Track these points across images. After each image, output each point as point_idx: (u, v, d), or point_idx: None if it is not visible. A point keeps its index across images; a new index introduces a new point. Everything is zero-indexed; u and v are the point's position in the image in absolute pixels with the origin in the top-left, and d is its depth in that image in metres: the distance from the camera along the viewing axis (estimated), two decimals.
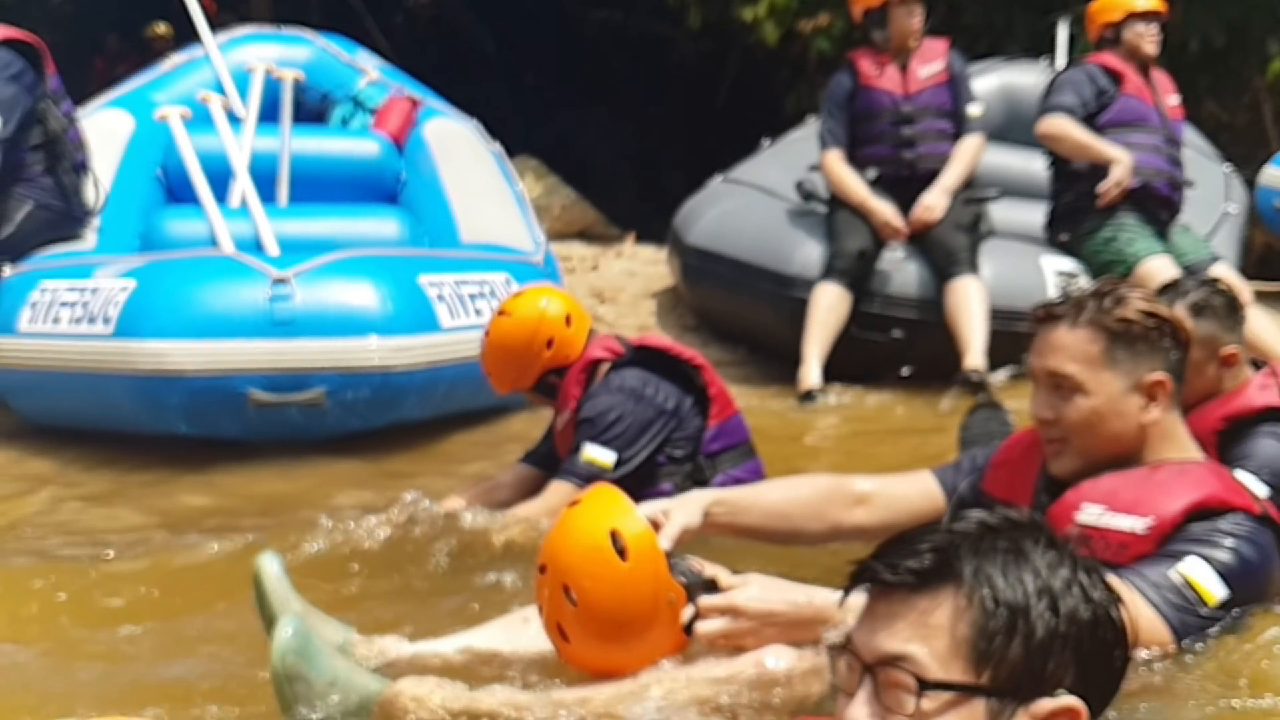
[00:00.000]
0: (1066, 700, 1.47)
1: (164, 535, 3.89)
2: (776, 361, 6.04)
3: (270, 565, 2.86)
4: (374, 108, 6.61)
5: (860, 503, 3.14)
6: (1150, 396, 2.79)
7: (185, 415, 4.71)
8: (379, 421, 4.86)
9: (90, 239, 5.58)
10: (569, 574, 2.63)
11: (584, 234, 8.26)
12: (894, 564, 1.49)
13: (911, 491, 3.15)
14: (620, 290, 6.86)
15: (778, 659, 2.61)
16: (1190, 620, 2.61)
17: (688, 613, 2.68)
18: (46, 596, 3.35)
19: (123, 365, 4.78)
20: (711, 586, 2.71)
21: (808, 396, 5.71)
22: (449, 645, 2.94)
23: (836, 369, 5.85)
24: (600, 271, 7.24)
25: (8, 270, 5.29)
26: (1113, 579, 2.54)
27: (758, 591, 2.68)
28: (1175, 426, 2.86)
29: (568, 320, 4.15)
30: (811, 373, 5.78)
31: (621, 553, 2.63)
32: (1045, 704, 1.46)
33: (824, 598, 2.65)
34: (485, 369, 4.23)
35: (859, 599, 2.38)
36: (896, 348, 5.96)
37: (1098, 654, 1.49)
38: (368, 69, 6.84)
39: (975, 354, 5.73)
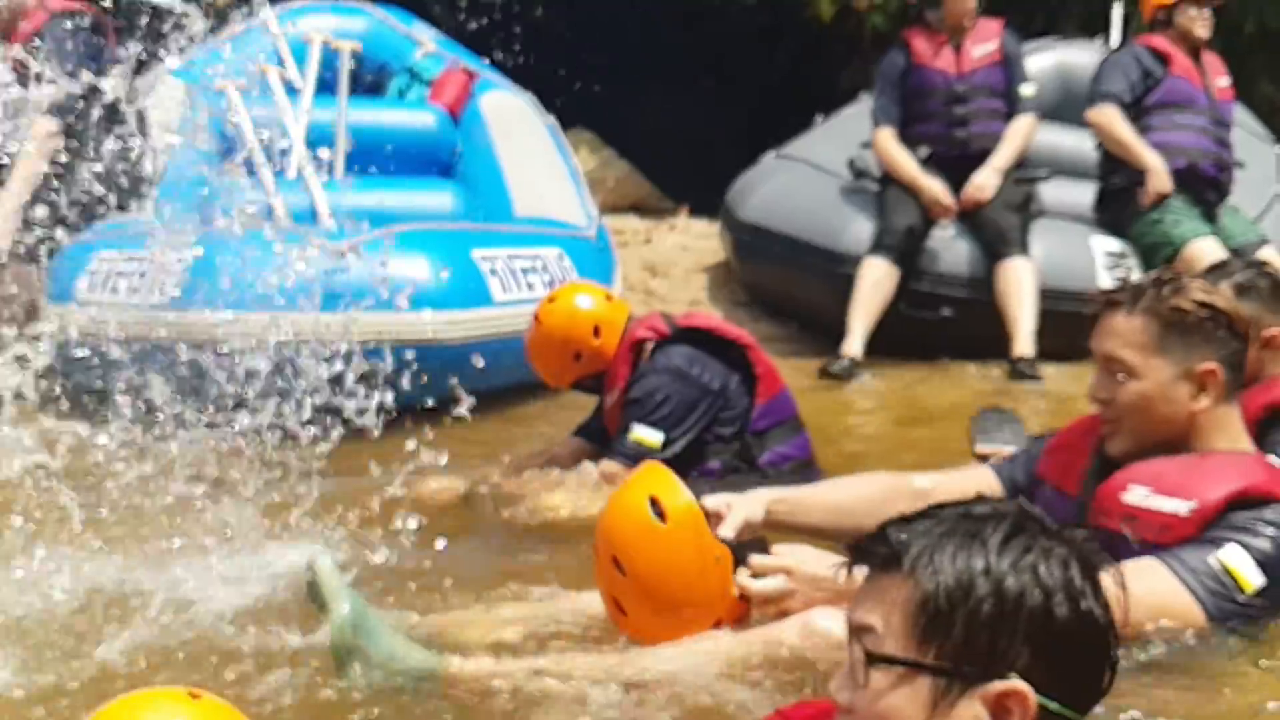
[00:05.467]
0: (1013, 683, 1.48)
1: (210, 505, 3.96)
2: (827, 338, 6.08)
3: (325, 561, 2.91)
4: (430, 80, 6.66)
5: (921, 499, 3.18)
6: (1200, 385, 2.84)
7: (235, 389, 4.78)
8: (432, 394, 4.92)
9: (148, 209, 5.67)
10: (615, 545, 2.73)
11: (638, 207, 8.29)
12: (866, 546, 1.56)
13: (971, 487, 3.21)
14: (672, 265, 6.90)
15: (827, 620, 2.67)
16: (1226, 606, 2.66)
17: (741, 576, 2.74)
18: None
19: (179, 335, 4.86)
20: (761, 548, 2.79)
21: (844, 367, 5.74)
22: (502, 622, 3.02)
23: (885, 346, 5.88)
24: (653, 245, 7.28)
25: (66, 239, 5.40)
26: (1150, 561, 2.64)
27: (809, 556, 2.79)
28: (1227, 416, 2.90)
29: (596, 331, 4.21)
30: (854, 345, 5.84)
31: (661, 516, 2.72)
32: (995, 686, 1.48)
33: None
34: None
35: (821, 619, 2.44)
36: (945, 326, 5.99)
37: (1056, 640, 1.50)
38: (424, 41, 6.89)
39: (1024, 339, 5.76)
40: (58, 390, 5.09)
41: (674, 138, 9.10)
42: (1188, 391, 2.84)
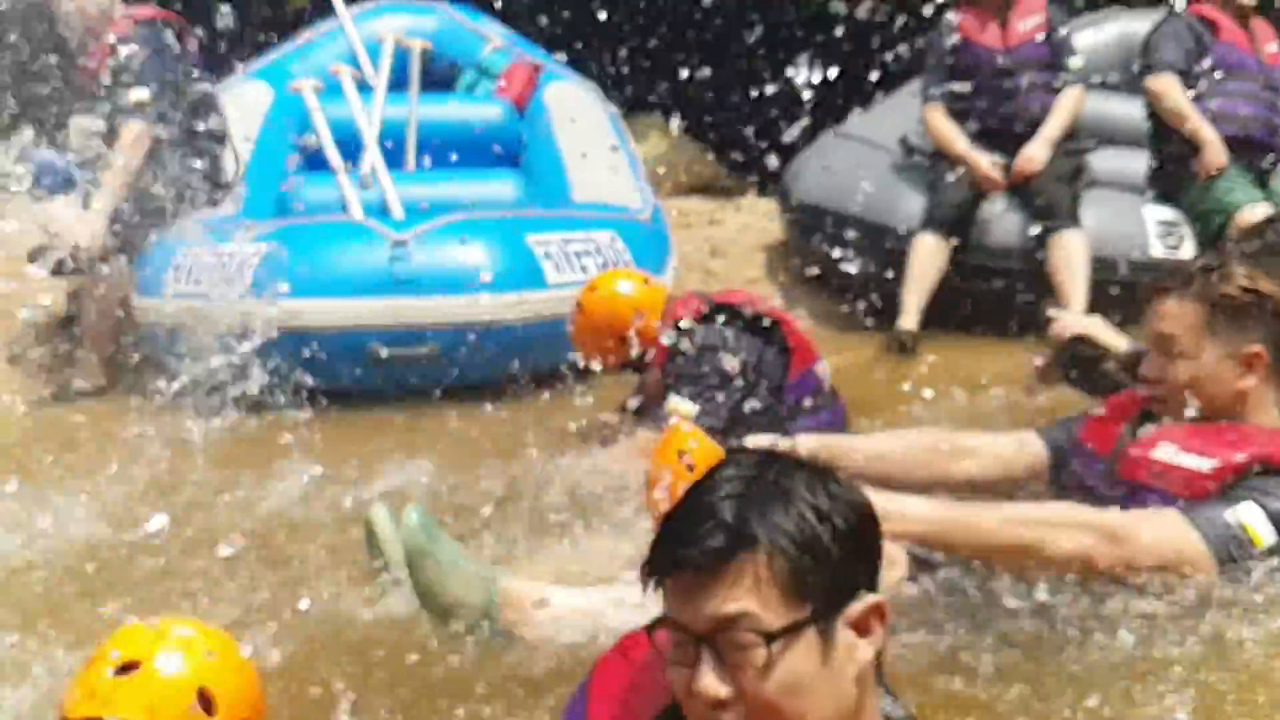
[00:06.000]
0: (870, 599, 1.66)
1: (275, 482, 4.26)
2: (881, 313, 6.22)
3: (380, 512, 3.21)
4: (498, 74, 6.93)
5: (966, 455, 3.43)
6: (1247, 366, 3.08)
7: (312, 368, 5.09)
8: (490, 373, 5.19)
9: (230, 206, 5.99)
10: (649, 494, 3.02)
11: (708, 189, 8.46)
12: (695, 547, 1.61)
13: (1015, 447, 3.44)
14: (733, 244, 7.09)
15: None
16: (1237, 557, 2.85)
17: None
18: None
19: (255, 323, 5.17)
20: None
21: (901, 344, 5.90)
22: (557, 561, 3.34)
23: (938, 319, 6.02)
24: (717, 226, 7.47)
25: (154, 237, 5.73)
26: (1170, 510, 2.85)
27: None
28: (1271, 394, 3.12)
29: (637, 314, 4.45)
30: (908, 321, 5.98)
31: (690, 469, 2.97)
32: (855, 608, 1.65)
33: (915, 505, 2.93)
34: None
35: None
36: (997, 298, 6.10)
37: (869, 546, 1.69)
38: (492, 36, 7.15)
39: (1076, 310, 5.85)
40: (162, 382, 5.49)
41: (746, 118, 9.26)
42: (1235, 372, 3.07)
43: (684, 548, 1.63)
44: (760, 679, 1.60)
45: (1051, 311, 4.23)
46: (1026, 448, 3.39)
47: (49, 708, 2.53)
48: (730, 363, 4.34)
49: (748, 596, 1.60)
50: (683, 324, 4.44)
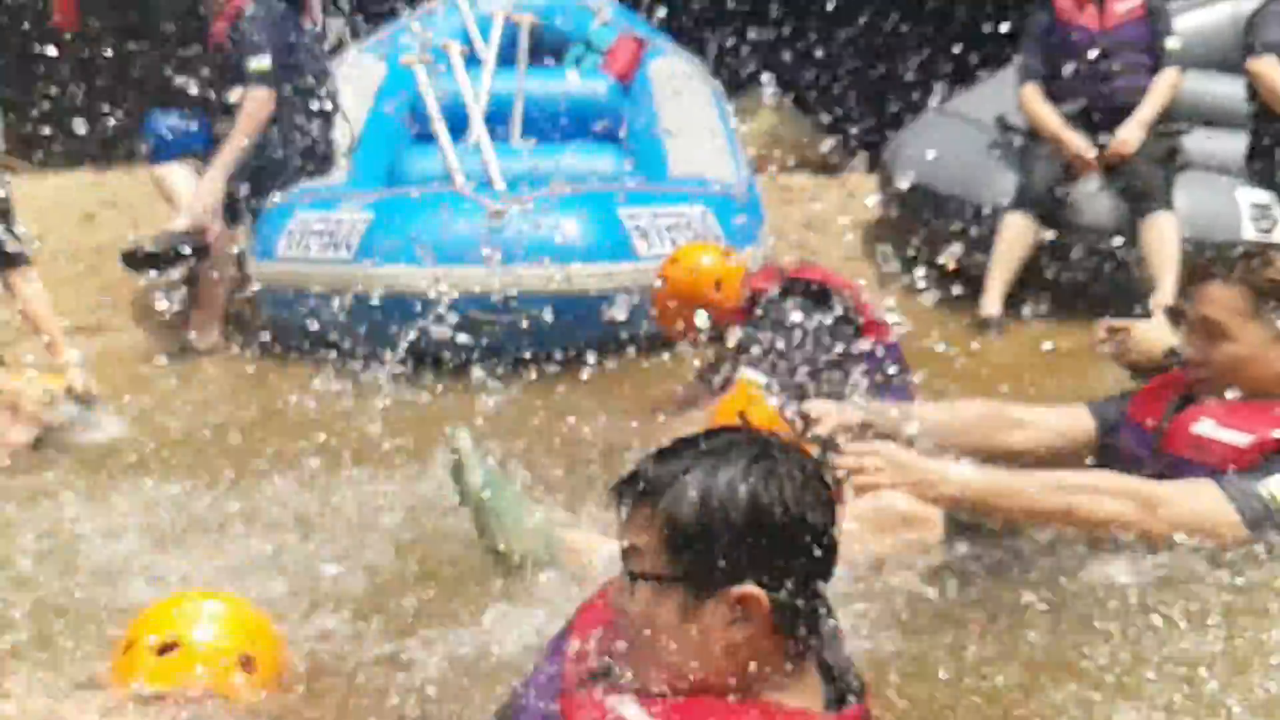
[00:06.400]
0: (746, 588, 1.76)
1: (351, 449, 4.49)
2: (971, 291, 6.28)
3: (465, 437, 3.42)
4: (604, 49, 7.11)
5: (1018, 427, 3.58)
6: None
7: (409, 333, 5.31)
8: (581, 340, 5.38)
9: (341, 174, 6.26)
10: None
11: (814, 165, 8.55)
12: (624, 485, 1.85)
13: (1065, 420, 3.57)
14: (832, 220, 7.18)
15: (900, 500, 3.12)
16: (1266, 525, 3.00)
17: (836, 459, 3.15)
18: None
19: (359, 287, 5.43)
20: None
21: (984, 324, 5.98)
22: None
23: (1026, 299, 6.08)
24: (818, 202, 7.57)
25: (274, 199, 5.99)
26: (1206, 480, 2.99)
27: (895, 448, 3.20)
28: None
29: (717, 285, 4.61)
30: (992, 301, 6.05)
31: (746, 423, 3.16)
32: (732, 591, 1.76)
33: (958, 470, 3.12)
34: None
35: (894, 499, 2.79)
36: (1087, 279, 6.15)
37: (773, 548, 1.76)
38: (600, 11, 7.33)
39: (1166, 292, 5.88)
40: (266, 336, 5.78)
41: (857, 95, 9.31)
42: (1276, 354, 3.18)
43: (621, 484, 1.87)
44: (632, 605, 1.81)
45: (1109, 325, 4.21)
46: (1076, 420, 3.52)
47: None
48: (801, 335, 4.47)
49: (640, 535, 1.81)
50: (759, 297, 4.59)
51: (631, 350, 5.06)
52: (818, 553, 1.79)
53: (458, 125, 6.43)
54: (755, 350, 4.47)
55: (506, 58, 6.97)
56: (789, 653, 1.80)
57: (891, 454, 3.16)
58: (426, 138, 6.54)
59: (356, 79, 6.66)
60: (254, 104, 5.91)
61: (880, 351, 4.56)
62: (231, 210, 5.92)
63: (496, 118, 6.55)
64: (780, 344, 4.45)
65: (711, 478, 1.78)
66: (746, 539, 1.76)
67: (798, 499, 1.78)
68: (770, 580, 1.77)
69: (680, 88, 6.86)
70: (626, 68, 6.93)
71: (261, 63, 5.93)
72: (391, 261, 5.46)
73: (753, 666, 1.78)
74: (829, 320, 4.50)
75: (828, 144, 8.68)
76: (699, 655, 1.77)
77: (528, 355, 5.20)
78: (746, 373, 4.48)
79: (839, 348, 4.50)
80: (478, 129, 6.39)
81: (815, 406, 3.39)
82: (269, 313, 5.93)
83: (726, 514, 1.76)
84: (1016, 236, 6.10)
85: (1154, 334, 3.84)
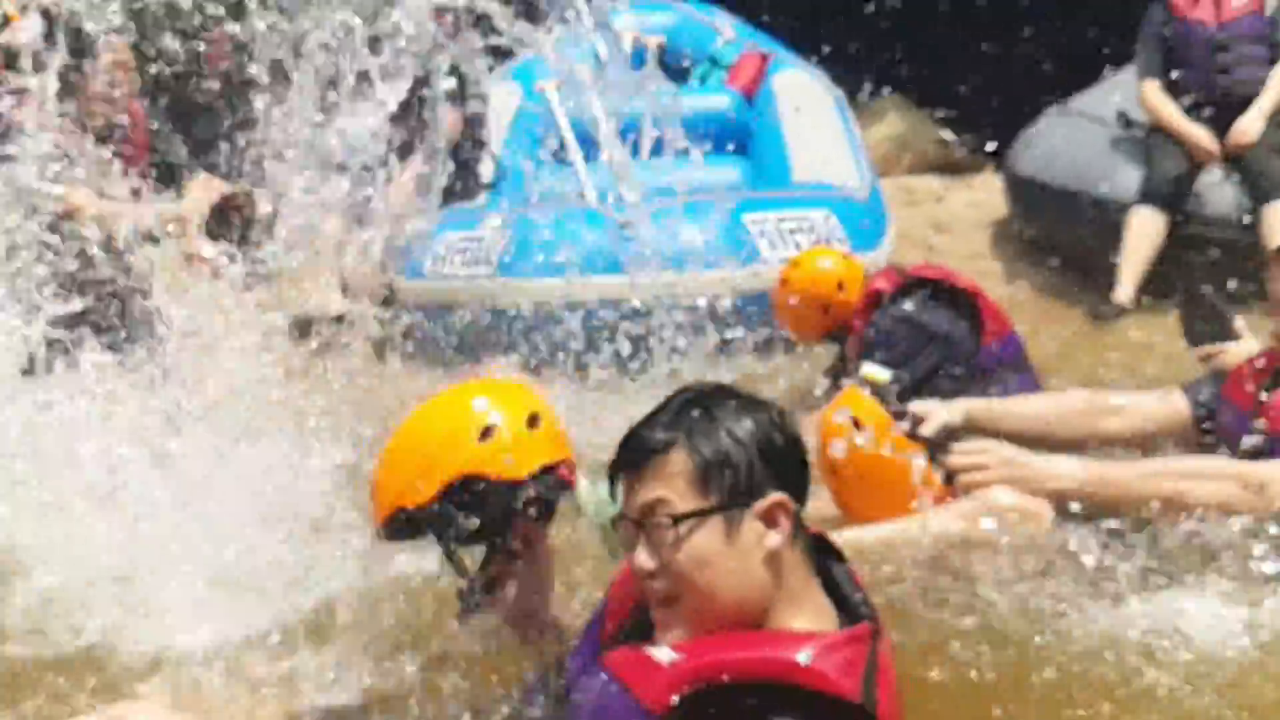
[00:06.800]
0: (774, 497, 2.02)
1: None
2: (1099, 284, 6.38)
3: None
4: (728, 65, 7.34)
5: (1114, 414, 3.72)
6: None
7: (546, 341, 5.59)
8: (708, 341, 5.62)
9: (482, 198, 6.57)
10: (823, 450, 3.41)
11: (941, 167, 8.66)
12: (629, 449, 2.05)
13: (1160, 404, 3.71)
14: (958, 220, 7.32)
15: (1006, 495, 3.26)
16: None
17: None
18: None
19: (499, 300, 5.73)
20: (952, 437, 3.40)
21: (1117, 314, 6.08)
22: None
23: (1153, 290, 6.16)
24: (944, 203, 7.70)
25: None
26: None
27: (1001, 444, 3.35)
28: None
29: (840, 286, 4.80)
30: (1124, 292, 6.15)
31: (857, 425, 3.41)
32: (762, 503, 2.02)
33: (1064, 464, 3.26)
34: None
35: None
36: (1212, 268, 6.20)
37: (781, 460, 2.04)
38: (724, 29, 7.56)
39: None
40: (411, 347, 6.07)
41: (985, 97, 9.38)
42: None
43: (624, 450, 2.07)
44: (674, 552, 1.99)
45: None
46: (1171, 404, 3.64)
47: None
48: (923, 333, 4.63)
49: (663, 488, 2.01)
50: (881, 297, 4.77)
51: (755, 352, 5.28)
52: (800, 460, 2.09)
53: (589, 144, 6.69)
54: (877, 347, 4.66)
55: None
56: (807, 564, 2.05)
57: (999, 452, 3.31)
58: (561, 157, 6.81)
59: (497, 105, 6.96)
60: (449, 119, 6.24)
61: (997, 347, 4.73)
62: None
63: (626, 135, 6.79)
64: (902, 340, 4.62)
65: (716, 418, 2.03)
66: (761, 459, 2.02)
67: (784, 422, 2.07)
68: (786, 488, 2.04)
69: (803, 98, 7.04)
70: (751, 82, 7.14)
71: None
72: (530, 274, 5.74)
73: (788, 575, 2.02)
74: (950, 316, 4.66)
75: (953, 145, 8.83)
76: (747, 573, 2.00)
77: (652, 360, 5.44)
78: (868, 368, 4.67)
79: (963, 342, 4.66)
80: (609, 146, 6.65)
81: (921, 407, 3.54)
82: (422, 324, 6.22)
83: (741, 442, 2.01)
84: (1145, 229, 6.20)
85: (1243, 351, 3.95)
